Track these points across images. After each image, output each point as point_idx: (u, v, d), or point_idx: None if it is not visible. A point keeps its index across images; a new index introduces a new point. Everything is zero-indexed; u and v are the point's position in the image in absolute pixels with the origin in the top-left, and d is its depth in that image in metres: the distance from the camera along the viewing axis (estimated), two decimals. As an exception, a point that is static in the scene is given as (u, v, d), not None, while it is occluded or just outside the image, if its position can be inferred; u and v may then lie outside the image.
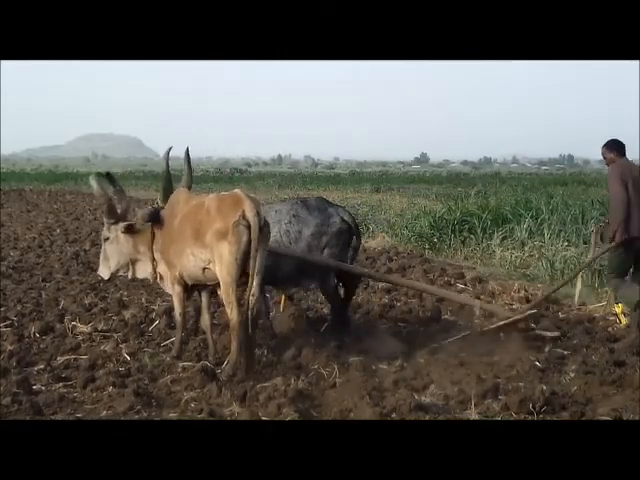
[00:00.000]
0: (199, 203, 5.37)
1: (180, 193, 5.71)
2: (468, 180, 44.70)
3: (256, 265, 5.01)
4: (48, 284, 8.78)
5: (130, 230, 5.68)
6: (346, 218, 6.18)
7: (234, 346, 5.11)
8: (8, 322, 6.62)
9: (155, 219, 5.64)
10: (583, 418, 4.31)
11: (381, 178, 51.47)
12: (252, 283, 5.02)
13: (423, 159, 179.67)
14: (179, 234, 5.38)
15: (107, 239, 5.80)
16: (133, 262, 5.82)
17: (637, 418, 4.24)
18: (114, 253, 5.79)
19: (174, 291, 5.62)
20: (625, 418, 4.23)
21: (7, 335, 6.09)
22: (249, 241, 5.02)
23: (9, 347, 5.72)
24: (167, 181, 5.96)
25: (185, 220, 5.37)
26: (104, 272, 5.90)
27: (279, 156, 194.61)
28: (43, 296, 7.95)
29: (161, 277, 5.79)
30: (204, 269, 5.27)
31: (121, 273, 5.98)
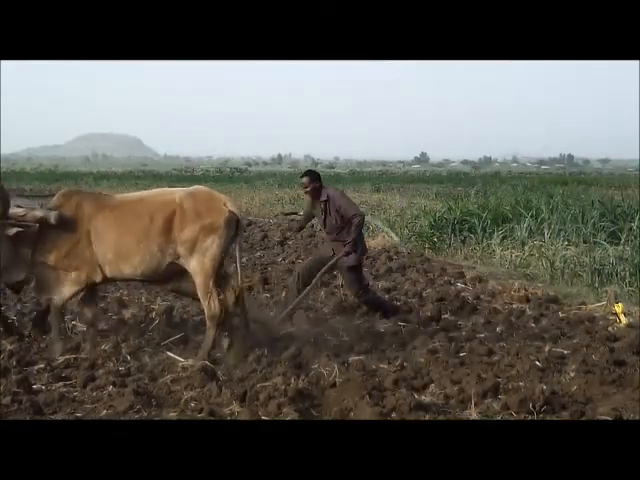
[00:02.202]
0: (166, 200, 5.51)
1: (77, 194, 5.68)
2: (468, 179, 44.71)
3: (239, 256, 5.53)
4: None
5: (19, 234, 5.39)
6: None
7: (211, 334, 5.46)
8: (8, 322, 6.61)
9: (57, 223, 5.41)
10: (583, 418, 4.30)
11: (381, 177, 51.52)
12: (240, 274, 5.57)
13: (423, 159, 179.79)
14: (121, 234, 5.42)
15: None
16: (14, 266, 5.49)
17: (637, 418, 4.24)
18: (4, 255, 5.36)
19: (68, 291, 5.52)
20: (625, 418, 4.23)
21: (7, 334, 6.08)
22: (235, 235, 5.52)
23: (9, 346, 5.71)
24: None
25: (142, 218, 5.43)
26: None
27: (279, 155, 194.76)
28: (43, 296, 7.93)
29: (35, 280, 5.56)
30: (169, 264, 5.48)
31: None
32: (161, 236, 5.41)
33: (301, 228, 7.58)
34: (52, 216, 5.40)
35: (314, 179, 6.88)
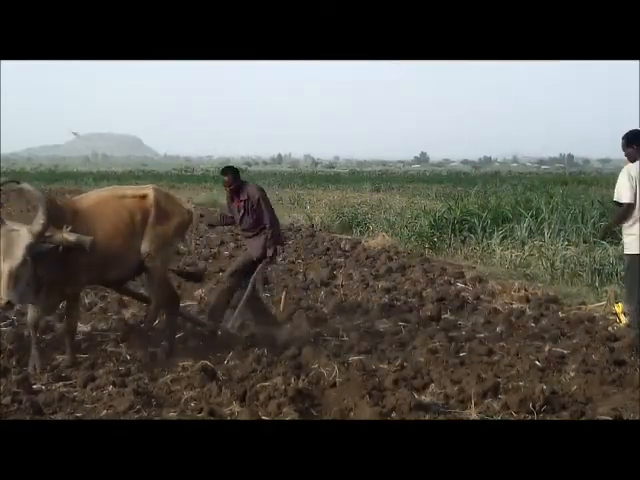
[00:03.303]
0: (141, 198, 5.55)
1: (50, 202, 5.21)
2: (468, 179, 44.75)
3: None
4: (48, 283, 8.76)
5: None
6: None
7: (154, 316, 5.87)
8: (8, 321, 6.62)
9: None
10: (583, 418, 4.31)
11: (381, 177, 51.55)
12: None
13: (423, 158, 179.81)
14: (109, 234, 5.30)
15: (25, 260, 4.79)
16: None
17: (637, 417, 4.25)
18: (27, 274, 4.86)
19: (77, 304, 5.54)
20: (625, 417, 4.24)
21: (7, 334, 6.08)
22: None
23: (9, 346, 5.71)
24: None
25: (122, 216, 5.41)
26: (13, 295, 4.78)
27: (279, 155, 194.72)
28: (43, 295, 7.93)
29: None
30: (140, 261, 5.59)
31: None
32: (141, 234, 5.49)
33: (224, 220, 6.99)
34: (88, 243, 4.96)
35: (236, 176, 6.71)
